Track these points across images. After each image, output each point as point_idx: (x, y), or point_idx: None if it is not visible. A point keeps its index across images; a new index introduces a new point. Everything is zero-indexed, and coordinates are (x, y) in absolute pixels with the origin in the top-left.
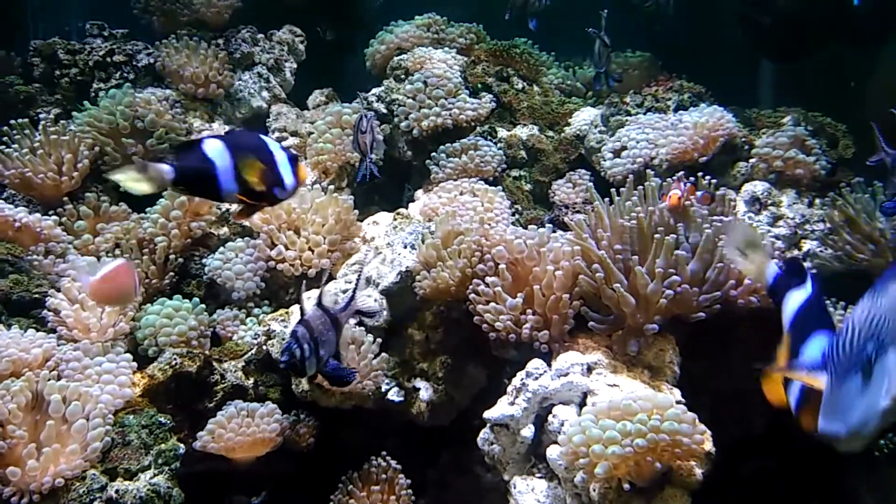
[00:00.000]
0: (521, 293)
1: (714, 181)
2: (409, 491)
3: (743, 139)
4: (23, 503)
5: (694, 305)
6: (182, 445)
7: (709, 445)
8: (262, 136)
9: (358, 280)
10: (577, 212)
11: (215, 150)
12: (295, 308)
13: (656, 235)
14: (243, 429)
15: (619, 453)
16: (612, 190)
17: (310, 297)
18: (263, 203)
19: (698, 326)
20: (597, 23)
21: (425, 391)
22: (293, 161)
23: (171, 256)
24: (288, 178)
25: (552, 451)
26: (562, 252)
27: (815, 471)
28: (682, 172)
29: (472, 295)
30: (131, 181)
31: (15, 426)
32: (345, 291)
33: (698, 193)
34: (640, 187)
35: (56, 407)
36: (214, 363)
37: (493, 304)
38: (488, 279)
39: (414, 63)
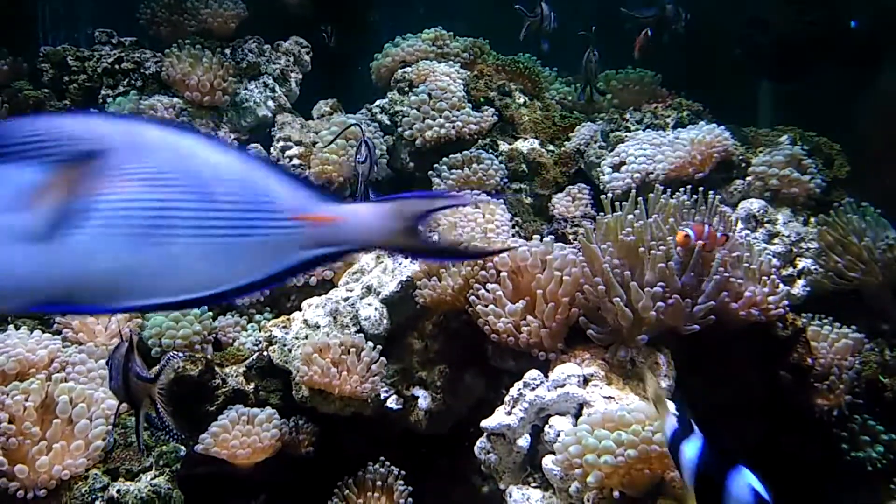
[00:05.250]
0: (522, 300)
1: (717, 197)
2: (410, 499)
3: (740, 157)
4: (28, 497)
5: (685, 317)
6: (183, 448)
7: None
8: None
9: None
10: (577, 225)
11: None
12: (297, 315)
13: (652, 251)
14: (244, 437)
15: (611, 463)
16: (617, 203)
17: (312, 304)
18: None
19: (696, 340)
20: (591, 38)
21: (424, 399)
22: None
23: None
24: None
25: (547, 461)
26: (567, 260)
27: (808, 485)
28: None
29: (473, 298)
30: None
31: (30, 424)
32: (346, 300)
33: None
34: (641, 198)
35: (63, 408)
36: (216, 368)
37: (492, 306)
38: (489, 285)
39: (418, 75)
